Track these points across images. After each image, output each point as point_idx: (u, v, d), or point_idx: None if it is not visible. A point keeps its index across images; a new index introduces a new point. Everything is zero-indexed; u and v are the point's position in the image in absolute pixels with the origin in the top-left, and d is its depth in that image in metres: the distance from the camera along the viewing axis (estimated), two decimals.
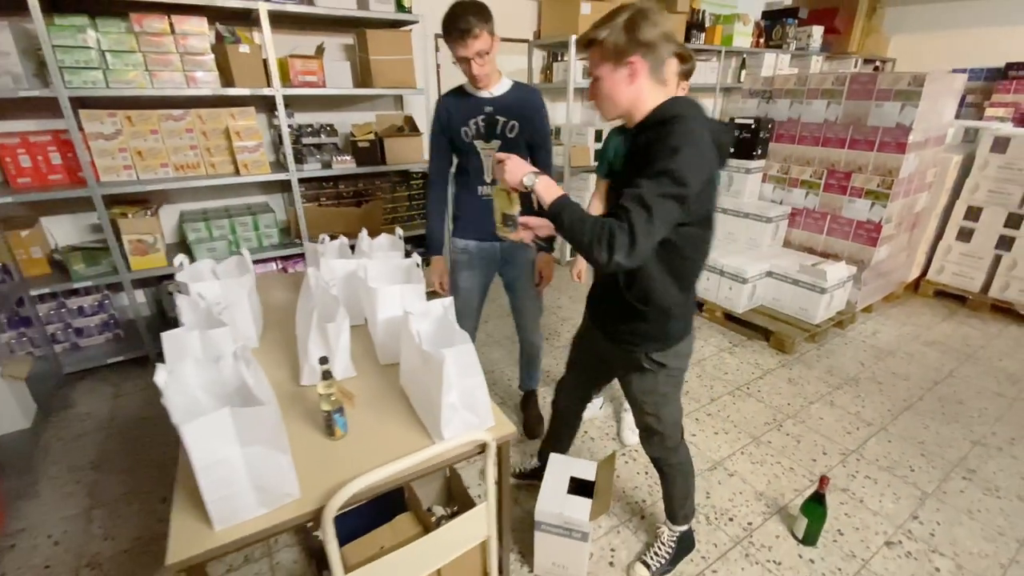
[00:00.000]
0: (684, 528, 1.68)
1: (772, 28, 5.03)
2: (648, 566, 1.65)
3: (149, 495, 1.96)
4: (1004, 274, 3.44)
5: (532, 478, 1.96)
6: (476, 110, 1.79)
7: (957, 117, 3.56)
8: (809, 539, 1.77)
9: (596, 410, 2.43)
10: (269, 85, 2.70)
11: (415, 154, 3.27)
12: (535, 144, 1.87)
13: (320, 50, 2.94)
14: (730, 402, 2.57)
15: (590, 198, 2.02)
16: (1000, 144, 3.34)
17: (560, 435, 1.85)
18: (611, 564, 1.71)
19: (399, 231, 1.94)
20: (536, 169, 1.18)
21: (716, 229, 1.24)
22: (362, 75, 3.06)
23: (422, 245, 3.23)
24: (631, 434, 2.23)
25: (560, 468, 1.67)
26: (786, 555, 1.75)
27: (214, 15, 2.67)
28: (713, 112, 5.14)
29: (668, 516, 1.66)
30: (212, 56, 2.58)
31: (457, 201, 2.01)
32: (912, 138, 2.91)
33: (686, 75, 1.69)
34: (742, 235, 3.52)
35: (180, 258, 1.61)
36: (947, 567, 1.71)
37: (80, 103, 2.42)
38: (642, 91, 1.14)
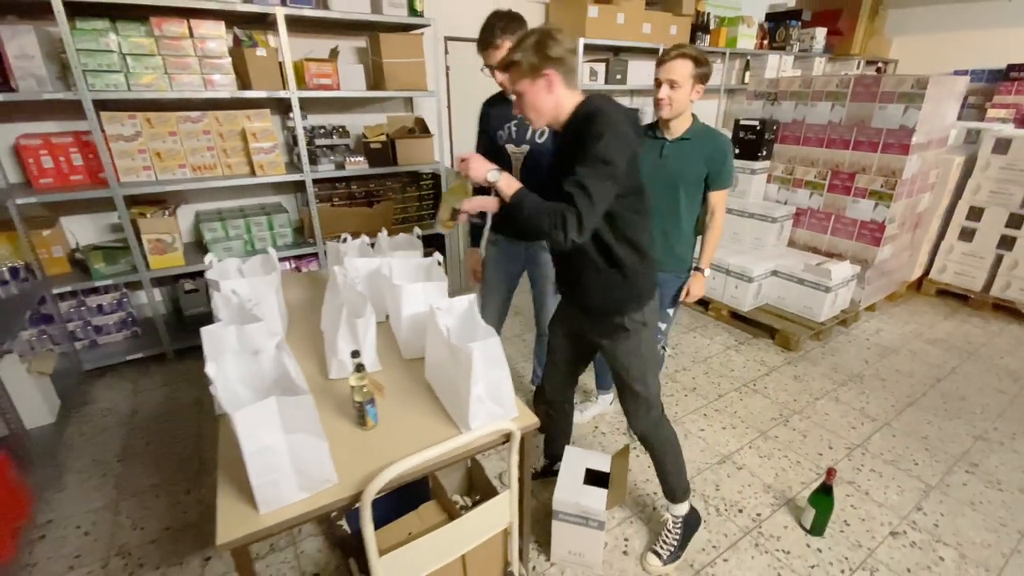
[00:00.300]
0: (685, 508, 1.73)
1: (776, 30, 5.09)
2: (659, 555, 1.71)
3: (174, 487, 2.02)
4: (1005, 273, 3.49)
5: (542, 476, 2.02)
6: (509, 116, 1.85)
7: (959, 118, 3.61)
8: (817, 529, 1.82)
9: (606, 406, 2.49)
10: (285, 88, 2.76)
11: (426, 155, 3.32)
12: None
13: (334, 53, 3.00)
14: (737, 398, 2.62)
15: None
16: (1001, 145, 3.39)
17: (558, 425, 1.91)
18: (625, 553, 1.76)
19: (417, 230, 2.00)
20: (496, 166, 1.35)
21: (649, 195, 1.40)
22: (375, 77, 3.11)
23: (430, 245, 3.28)
24: None
25: (576, 460, 1.72)
26: (794, 544, 1.80)
27: (231, 19, 2.73)
28: (717, 113, 5.20)
29: (667, 496, 1.72)
30: (229, 59, 2.64)
31: None
32: (915, 140, 2.96)
33: (702, 79, 1.74)
34: (747, 235, 3.57)
35: (210, 257, 1.67)
36: (951, 556, 1.76)
37: (101, 105, 2.47)
38: (560, 98, 1.29)
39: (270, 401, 0.97)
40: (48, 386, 2.32)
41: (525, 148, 1.88)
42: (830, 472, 1.75)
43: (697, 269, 1.97)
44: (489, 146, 1.97)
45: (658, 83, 1.77)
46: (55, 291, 2.59)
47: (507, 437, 1.26)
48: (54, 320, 2.61)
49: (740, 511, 1.94)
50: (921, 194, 3.45)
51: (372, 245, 1.97)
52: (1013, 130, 3.63)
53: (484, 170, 1.34)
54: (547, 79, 1.25)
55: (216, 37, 2.58)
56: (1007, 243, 3.46)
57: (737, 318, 3.40)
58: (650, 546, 1.76)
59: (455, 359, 1.23)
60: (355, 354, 1.24)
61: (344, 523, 1.70)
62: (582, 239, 1.22)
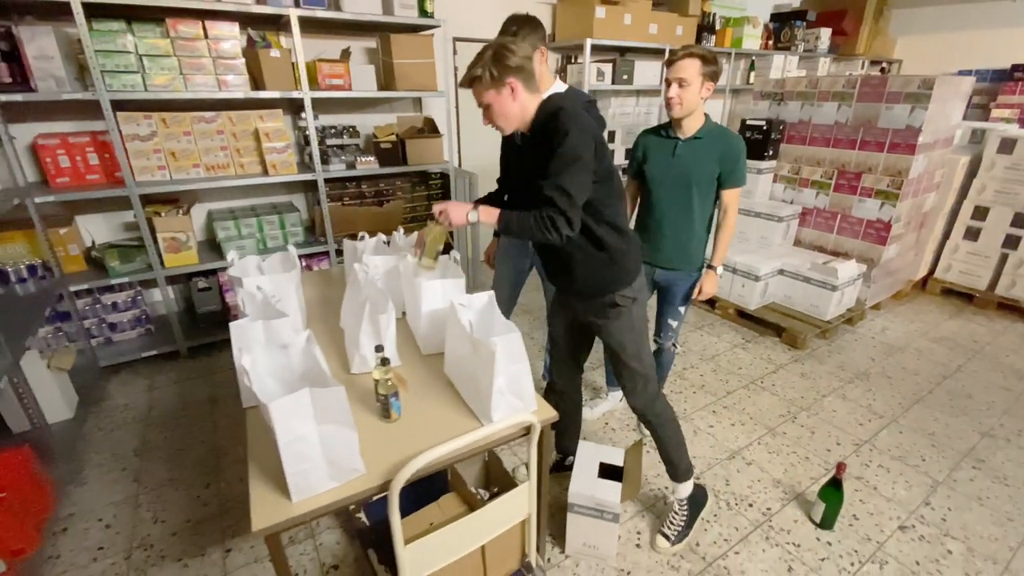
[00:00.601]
0: (689, 488, 1.79)
1: (781, 30, 5.11)
2: (667, 536, 1.76)
3: (193, 481, 2.05)
4: (1010, 272, 3.52)
5: (554, 470, 2.05)
6: None
7: (964, 118, 3.63)
8: (826, 523, 1.85)
9: (616, 402, 2.52)
10: (298, 88, 2.79)
11: (435, 155, 3.36)
12: None
13: (346, 54, 3.03)
14: (745, 395, 2.65)
15: None
16: (1007, 145, 3.41)
17: (568, 417, 1.95)
18: (638, 546, 1.79)
19: (430, 225, 2.02)
20: (472, 205, 1.45)
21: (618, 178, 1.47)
22: (385, 78, 3.14)
23: None
24: None
25: (590, 454, 1.75)
26: (804, 538, 1.83)
27: (245, 20, 2.76)
28: (723, 113, 5.22)
29: (671, 475, 1.79)
30: (243, 60, 2.67)
31: None
32: (921, 140, 2.99)
33: (711, 76, 1.77)
34: (754, 234, 3.60)
35: (232, 254, 1.70)
36: (959, 550, 1.79)
37: (117, 105, 2.50)
38: (525, 103, 1.37)
39: (303, 392, 1.00)
40: (67, 382, 2.36)
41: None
42: (840, 466, 1.78)
43: (710, 267, 2.00)
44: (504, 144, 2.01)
45: (668, 83, 1.81)
46: (71, 288, 2.62)
47: (527, 430, 1.29)
48: (71, 317, 2.65)
49: (750, 505, 1.97)
50: (927, 194, 3.48)
51: (387, 243, 2.01)
52: (1018, 130, 3.65)
53: (463, 214, 1.44)
54: (510, 87, 1.33)
55: (230, 38, 2.62)
56: (1012, 242, 3.49)
57: (744, 316, 3.42)
58: (658, 529, 1.81)
59: (477, 353, 1.26)
60: (379, 348, 1.27)
61: (362, 515, 1.73)
62: (574, 232, 1.34)
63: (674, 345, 2.26)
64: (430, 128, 3.41)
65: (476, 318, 1.39)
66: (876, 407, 2.57)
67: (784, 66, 5.04)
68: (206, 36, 2.57)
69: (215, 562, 1.72)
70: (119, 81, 2.44)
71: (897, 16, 5.92)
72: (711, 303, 3.59)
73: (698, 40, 4.47)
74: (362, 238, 1.92)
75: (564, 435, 2.00)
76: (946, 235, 3.84)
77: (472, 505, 1.47)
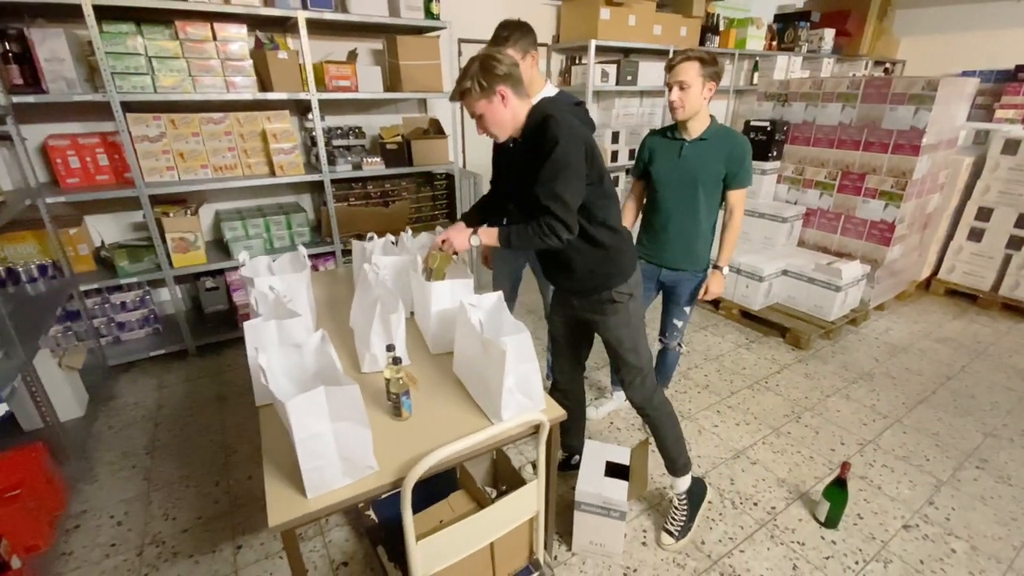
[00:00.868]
0: (687, 482, 1.82)
1: (784, 31, 5.12)
2: (671, 533, 1.79)
3: (203, 479, 2.08)
4: (1014, 273, 3.52)
5: (560, 469, 2.07)
6: None
7: (967, 119, 3.64)
8: (831, 522, 1.87)
9: (621, 402, 2.53)
10: (305, 89, 2.81)
11: (440, 156, 3.37)
12: None
13: (353, 55, 3.05)
14: (749, 395, 2.66)
15: (624, 199, 2.12)
16: (1011, 146, 3.42)
17: (573, 415, 1.96)
18: (644, 544, 1.81)
19: (439, 230, 2.04)
20: (473, 230, 1.49)
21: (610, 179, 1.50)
22: (391, 79, 3.16)
23: None
24: None
25: (596, 453, 1.77)
26: (809, 537, 1.84)
27: (253, 22, 2.78)
28: (727, 114, 5.23)
29: (669, 469, 1.81)
30: (250, 62, 2.69)
31: None
32: (926, 141, 3.00)
33: (712, 77, 1.79)
34: (757, 235, 3.61)
35: (243, 255, 1.72)
36: (962, 548, 1.80)
37: (126, 107, 2.53)
38: (516, 109, 1.41)
39: (319, 391, 1.02)
40: (77, 381, 2.39)
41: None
42: (844, 466, 1.79)
43: (716, 267, 2.01)
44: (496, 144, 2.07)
45: (669, 87, 1.83)
46: (81, 288, 2.65)
47: (535, 428, 1.31)
48: (81, 317, 2.68)
49: (755, 504, 1.98)
50: (931, 194, 3.49)
51: (395, 243, 2.03)
52: (1022, 131, 3.66)
53: (465, 240, 1.50)
54: (500, 95, 1.37)
55: (238, 40, 2.64)
56: (1016, 243, 3.49)
57: (748, 317, 3.44)
58: (662, 526, 1.83)
59: (487, 353, 1.28)
60: (390, 348, 1.29)
61: (371, 513, 1.75)
62: (573, 236, 1.39)
63: (679, 345, 2.27)
64: (435, 129, 3.43)
65: (486, 318, 1.41)
66: (880, 407, 2.58)
67: (788, 67, 5.05)
68: (215, 38, 2.59)
69: (226, 558, 1.74)
70: (129, 83, 2.46)
71: (901, 16, 5.92)
72: (715, 303, 3.60)
73: (702, 41, 4.48)
74: (370, 239, 1.94)
75: (569, 433, 2.02)
76: (950, 236, 3.85)
77: (481, 503, 1.49)
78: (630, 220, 2.14)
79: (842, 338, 3.28)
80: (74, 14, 2.25)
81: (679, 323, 2.18)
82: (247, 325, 1.30)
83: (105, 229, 2.95)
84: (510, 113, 1.41)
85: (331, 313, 1.89)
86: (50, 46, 2.29)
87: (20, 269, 2.39)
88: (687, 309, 2.14)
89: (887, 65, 6.07)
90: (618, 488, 1.63)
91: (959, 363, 2.99)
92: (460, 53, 3.74)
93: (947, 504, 1.99)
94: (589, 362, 2.60)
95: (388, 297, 1.48)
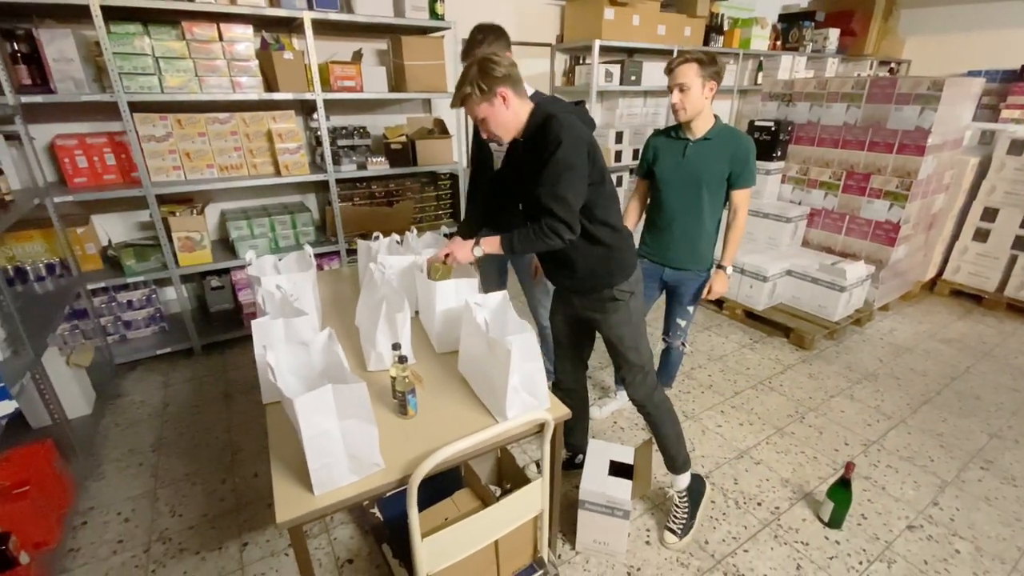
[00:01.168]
0: (687, 479, 1.83)
1: (789, 31, 5.10)
2: (674, 531, 1.80)
3: (209, 476, 2.09)
4: (1019, 274, 3.51)
5: (563, 468, 2.07)
6: None
7: (973, 119, 3.63)
8: (835, 522, 1.87)
9: (625, 401, 2.54)
10: (311, 89, 2.82)
11: (445, 156, 3.38)
12: None
13: (358, 56, 3.06)
14: (753, 395, 2.66)
15: (628, 198, 2.13)
16: (1016, 146, 3.41)
17: (576, 414, 1.96)
18: (647, 543, 1.82)
19: (444, 229, 2.06)
20: (475, 241, 1.51)
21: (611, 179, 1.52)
22: (396, 79, 3.17)
23: None
24: None
25: (600, 452, 1.78)
26: (813, 537, 1.85)
27: (259, 23, 2.80)
28: (730, 114, 5.22)
29: (669, 467, 1.83)
30: (256, 62, 2.71)
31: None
32: (931, 141, 2.99)
33: (712, 77, 1.79)
34: (761, 235, 3.61)
35: (250, 255, 1.73)
36: (967, 549, 1.80)
37: (133, 107, 2.54)
38: (517, 109, 1.42)
39: (326, 389, 1.03)
40: (85, 379, 2.41)
41: (506, 145, 2.02)
42: (849, 466, 1.79)
43: (719, 267, 2.02)
44: (477, 147, 2.17)
45: (670, 90, 1.84)
46: (88, 287, 2.66)
47: (540, 427, 1.32)
48: (88, 315, 2.69)
49: (759, 504, 1.98)
50: (936, 195, 3.48)
51: (400, 243, 2.04)
52: None
53: (468, 251, 1.52)
54: (501, 97, 1.38)
55: (244, 40, 2.66)
56: (1021, 244, 3.48)
57: (752, 317, 3.43)
58: (664, 525, 1.84)
59: (492, 352, 1.28)
60: (396, 346, 1.30)
61: (376, 510, 1.76)
62: (575, 236, 1.40)
63: (683, 344, 2.28)
64: (440, 129, 3.44)
65: (491, 317, 1.42)
66: (884, 408, 2.57)
67: (792, 67, 5.04)
68: (221, 39, 2.60)
69: (232, 555, 1.76)
70: (136, 83, 2.48)
71: (906, 16, 5.90)
72: (719, 303, 3.60)
73: (706, 41, 4.48)
74: (376, 238, 1.95)
75: (572, 432, 2.03)
76: (955, 236, 3.84)
77: (486, 501, 1.50)
78: (634, 219, 2.14)
79: (846, 338, 3.28)
80: (82, 15, 2.27)
81: (682, 322, 2.18)
82: (255, 323, 1.31)
83: (112, 228, 2.97)
84: (512, 114, 1.41)
85: (336, 312, 1.90)
86: (58, 46, 2.31)
87: (28, 268, 2.42)
88: (690, 308, 2.14)
89: (892, 65, 6.05)
90: (622, 487, 1.63)
91: (964, 364, 2.98)
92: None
93: (951, 505, 1.99)
94: (593, 362, 2.61)
95: (394, 296, 1.49)
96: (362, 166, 3.16)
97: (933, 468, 2.18)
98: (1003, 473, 2.16)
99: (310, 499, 1.08)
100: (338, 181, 3.12)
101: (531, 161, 1.40)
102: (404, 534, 1.22)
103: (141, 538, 1.83)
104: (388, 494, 1.16)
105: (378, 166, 3.17)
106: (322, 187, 3.38)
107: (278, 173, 2.93)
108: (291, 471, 1.14)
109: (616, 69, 4.03)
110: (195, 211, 2.87)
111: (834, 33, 5.22)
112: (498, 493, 1.71)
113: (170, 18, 2.53)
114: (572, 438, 2.04)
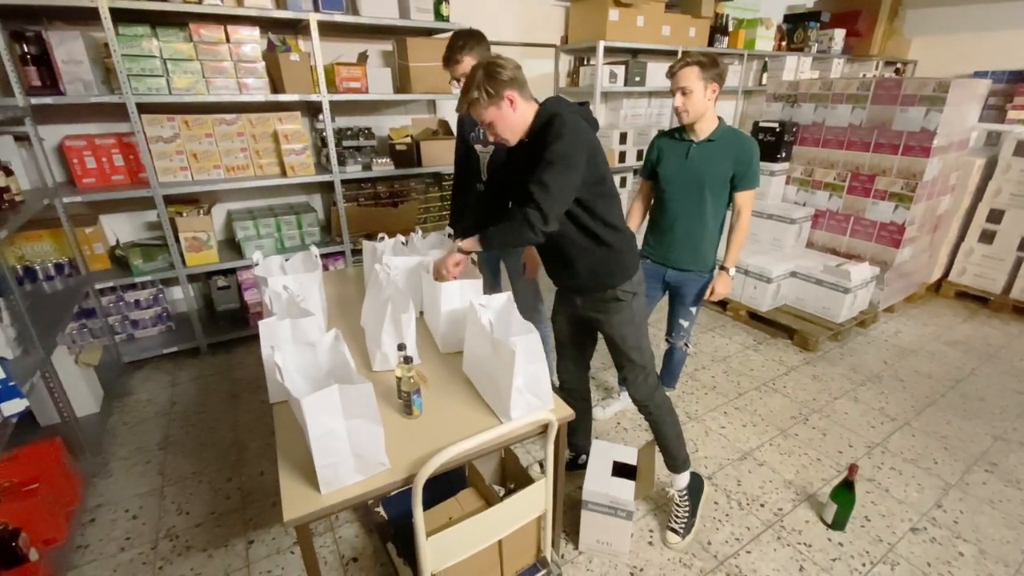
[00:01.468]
0: (686, 479, 1.84)
1: (794, 31, 5.09)
2: (676, 531, 1.81)
3: (216, 474, 2.11)
4: None
5: (566, 468, 2.08)
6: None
7: (979, 120, 3.61)
8: (838, 524, 1.87)
9: (628, 402, 2.54)
10: (317, 91, 2.84)
11: (449, 156, 3.37)
12: None
13: (363, 57, 3.08)
14: (757, 397, 2.66)
15: (632, 199, 2.13)
16: (1023, 148, 3.39)
17: (579, 414, 1.97)
18: (650, 543, 1.82)
19: (448, 230, 2.07)
20: (456, 247, 1.54)
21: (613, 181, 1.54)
22: (401, 80, 3.19)
23: None
24: None
25: (603, 453, 1.78)
26: (816, 538, 1.85)
27: (266, 25, 2.82)
28: (735, 115, 5.22)
29: (669, 466, 1.84)
30: (263, 64, 2.73)
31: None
32: (936, 142, 2.98)
33: (714, 79, 1.79)
34: (766, 236, 3.60)
35: (257, 255, 1.75)
36: (970, 552, 1.80)
37: (141, 108, 2.56)
38: (524, 111, 1.43)
39: (333, 389, 1.04)
40: (93, 377, 2.43)
41: (491, 148, 2.10)
42: (852, 468, 1.79)
43: (722, 268, 2.02)
44: (462, 149, 2.22)
45: (673, 93, 1.85)
46: (96, 286, 2.69)
47: (544, 427, 1.33)
48: (96, 314, 2.72)
49: (762, 506, 1.99)
50: (941, 196, 3.47)
51: (405, 243, 2.05)
52: None
53: (456, 258, 1.55)
54: (508, 100, 1.39)
55: (251, 42, 2.68)
56: None
57: (755, 318, 3.43)
58: (666, 525, 1.85)
59: (497, 353, 1.30)
60: (402, 347, 1.31)
61: (380, 509, 1.78)
62: (550, 227, 1.37)
63: (686, 345, 2.28)
64: (444, 130, 3.45)
65: (495, 318, 1.43)
66: (888, 410, 2.57)
67: (797, 68, 5.02)
68: (228, 40, 2.63)
69: (238, 553, 1.77)
70: (144, 84, 2.50)
71: (912, 16, 5.87)
72: (723, 305, 3.60)
73: (711, 42, 4.48)
74: (381, 239, 1.97)
75: (575, 433, 2.04)
76: (961, 238, 3.82)
77: (490, 500, 1.51)
78: (637, 220, 2.15)
79: (851, 340, 3.27)
80: (91, 17, 2.29)
81: (685, 323, 2.19)
82: (262, 324, 1.32)
83: (120, 228, 2.99)
84: (519, 116, 1.42)
85: (341, 312, 1.92)
86: (67, 48, 2.34)
87: (38, 267, 2.44)
88: (693, 309, 2.15)
89: (898, 66, 6.03)
90: (625, 488, 1.64)
91: (969, 366, 2.97)
92: None
93: (955, 507, 1.99)
94: (596, 363, 2.61)
95: (399, 297, 1.50)
96: (367, 167, 3.17)
97: (937, 470, 2.18)
98: (1007, 476, 2.15)
99: (316, 498, 1.09)
100: (343, 182, 3.14)
101: (532, 158, 1.41)
102: (409, 533, 1.24)
103: (148, 535, 1.85)
104: (393, 493, 1.17)
105: (383, 167, 3.19)
106: (327, 188, 3.40)
107: (284, 174, 2.95)
108: (298, 470, 1.15)
109: (620, 70, 4.03)
110: (202, 211, 2.90)
111: (839, 34, 5.21)
112: (502, 493, 1.73)
113: (178, 20, 2.55)
114: (575, 439, 2.05)
